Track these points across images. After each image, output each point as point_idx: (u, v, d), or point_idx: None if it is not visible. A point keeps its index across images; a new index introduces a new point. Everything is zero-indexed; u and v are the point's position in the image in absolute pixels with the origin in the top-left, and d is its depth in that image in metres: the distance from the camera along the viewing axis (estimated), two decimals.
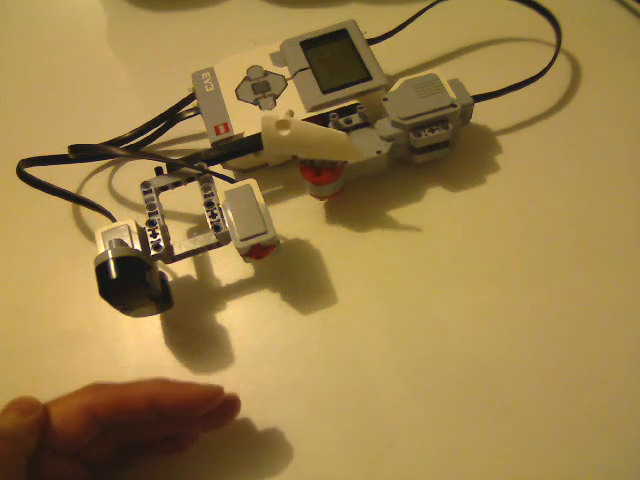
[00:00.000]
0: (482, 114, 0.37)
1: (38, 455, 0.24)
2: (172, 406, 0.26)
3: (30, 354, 0.33)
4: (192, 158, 0.34)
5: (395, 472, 0.28)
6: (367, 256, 0.34)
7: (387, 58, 0.38)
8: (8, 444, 0.23)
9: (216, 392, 0.27)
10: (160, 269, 0.33)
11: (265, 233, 0.30)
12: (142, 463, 0.29)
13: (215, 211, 0.31)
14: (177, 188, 0.34)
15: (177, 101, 0.39)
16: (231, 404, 0.28)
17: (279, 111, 0.36)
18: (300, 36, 0.38)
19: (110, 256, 0.28)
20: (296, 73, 0.37)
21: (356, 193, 0.36)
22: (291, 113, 0.30)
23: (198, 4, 0.48)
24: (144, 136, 0.39)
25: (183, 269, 0.35)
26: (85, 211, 0.38)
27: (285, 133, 0.30)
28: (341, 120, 0.35)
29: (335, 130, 0.31)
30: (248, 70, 0.38)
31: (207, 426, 0.28)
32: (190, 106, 0.39)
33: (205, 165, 0.33)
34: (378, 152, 0.34)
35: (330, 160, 0.32)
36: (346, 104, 0.35)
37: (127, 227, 0.31)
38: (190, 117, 0.38)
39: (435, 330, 0.31)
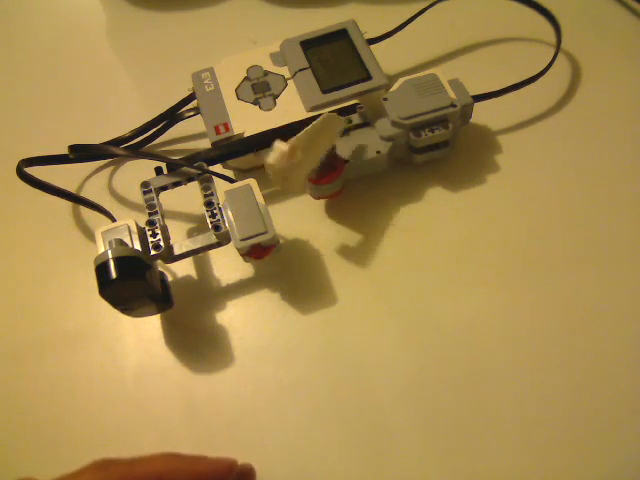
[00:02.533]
0: (482, 114, 0.37)
1: None
2: None
3: (30, 354, 0.33)
4: (192, 158, 0.34)
5: (395, 472, 0.28)
6: (367, 256, 0.34)
7: (387, 58, 0.38)
8: None
9: (229, 466, 0.25)
10: (160, 269, 0.33)
11: (265, 233, 0.30)
12: None
13: (215, 211, 0.31)
14: (177, 188, 0.34)
15: (177, 101, 0.39)
16: (246, 475, 0.27)
17: (279, 111, 0.36)
18: (300, 36, 0.39)
19: (110, 256, 0.28)
20: (296, 73, 0.37)
21: (356, 193, 0.36)
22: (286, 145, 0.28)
23: (198, 4, 0.48)
24: (144, 136, 0.39)
25: (183, 269, 0.35)
26: (85, 211, 0.38)
27: (299, 157, 0.28)
28: None
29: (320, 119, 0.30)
30: (248, 70, 0.38)
31: None
32: (190, 106, 0.39)
33: (205, 165, 0.33)
34: (378, 152, 0.34)
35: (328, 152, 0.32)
36: (346, 104, 0.35)
37: (127, 227, 0.31)
38: (190, 117, 0.38)
39: (435, 330, 0.31)
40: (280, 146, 0.28)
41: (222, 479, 0.25)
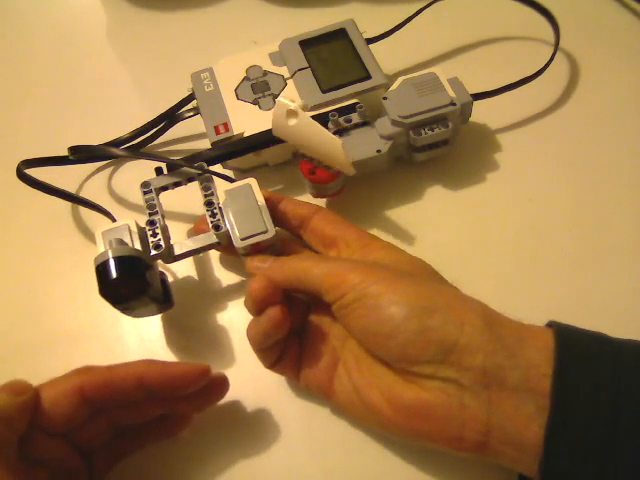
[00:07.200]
0: (481, 113, 0.37)
1: (29, 435, 0.24)
2: (160, 383, 0.26)
3: (30, 354, 0.33)
4: (192, 158, 0.34)
5: (393, 472, 0.28)
6: None
7: (386, 57, 0.38)
8: (0, 423, 0.23)
9: (203, 370, 0.27)
10: (161, 269, 0.33)
11: (265, 232, 0.30)
12: (137, 456, 0.29)
13: (215, 210, 0.31)
14: (177, 188, 0.34)
15: (177, 101, 0.39)
16: (219, 383, 0.29)
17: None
18: (299, 35, 0.39)
19: (110, 255, 0.28)
20: (295, 73, 0.37)
21: (356, 192, 0.36)
22: (304, 107, 0.30)
23: (198, 4, 0.48)
24: (144, 136, 0.39)
25: (184, 269, 0.35)
26: (85, 211, 0.38)
27: (292, 122, 0.30)
28: (341, 119, 0.35)
29: (331, 136, 0.31)
30: (247, 70, 0.38)
31: (197, 406, 0.29)
32: (190, 106, 0.39)
33: (205, 165, 0.33)
34: (378, 151, 0.34)
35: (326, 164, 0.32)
36: (345, 103, 0.35)
37: (127, 227, 0.31)
38: (190, 117, 0.38)
39: None
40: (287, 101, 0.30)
41: (195, 382, 0.27)
